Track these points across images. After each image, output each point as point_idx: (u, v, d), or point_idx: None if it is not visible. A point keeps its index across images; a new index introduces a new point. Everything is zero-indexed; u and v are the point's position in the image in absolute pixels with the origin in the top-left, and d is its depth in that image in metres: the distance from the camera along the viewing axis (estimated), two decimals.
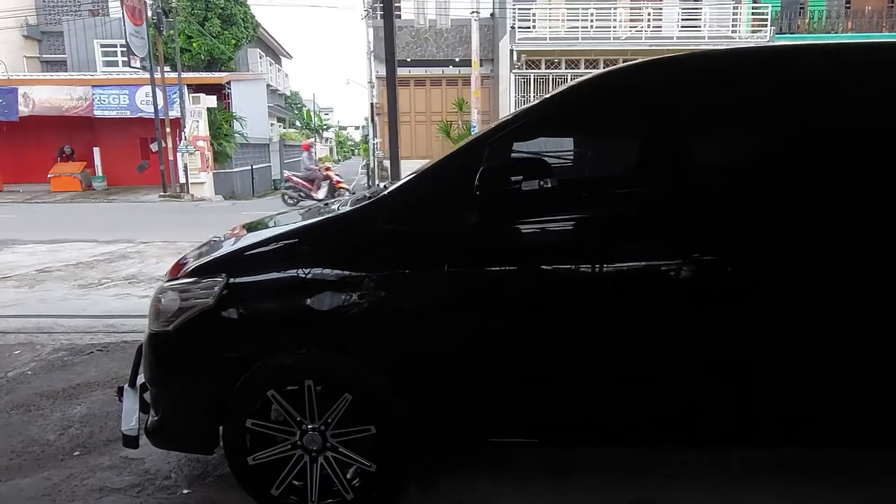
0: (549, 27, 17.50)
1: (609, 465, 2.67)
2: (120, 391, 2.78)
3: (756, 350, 2.10)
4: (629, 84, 2.30)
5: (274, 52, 35.28)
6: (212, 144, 18.84)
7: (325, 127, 65.94)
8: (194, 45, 22.06)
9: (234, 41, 23.29)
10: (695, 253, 2.09)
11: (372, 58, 21.89)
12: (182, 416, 2.36)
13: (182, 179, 18.30)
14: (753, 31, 17.98)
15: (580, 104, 2.33)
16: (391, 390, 2.20)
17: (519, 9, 17.73)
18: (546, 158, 2.26)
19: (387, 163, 21.27)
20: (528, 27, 17.65)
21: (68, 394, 3.63)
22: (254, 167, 22.17)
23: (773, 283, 2.08)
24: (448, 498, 2.44)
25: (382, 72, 21.68)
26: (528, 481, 2.54)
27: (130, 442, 2.42)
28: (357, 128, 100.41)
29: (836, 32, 19.23)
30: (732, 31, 17.84)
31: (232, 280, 2.22)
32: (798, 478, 2.52)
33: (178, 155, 18.13)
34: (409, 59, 21.64)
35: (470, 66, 20.75)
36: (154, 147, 18.64)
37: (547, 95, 2.40)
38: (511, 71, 17.36)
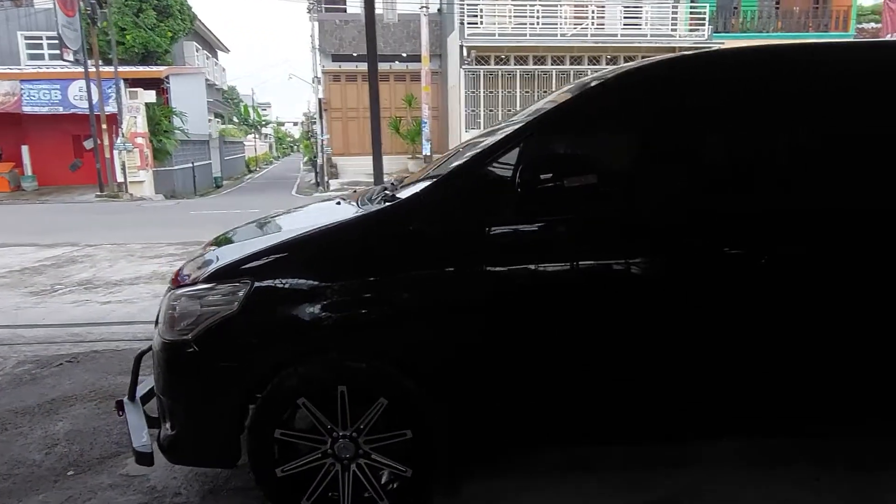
0: (497, 23, 17.63)
1: (628, 460, 2.71)
2: (119, 405, 2.62)
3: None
4: (693, 73, 2.32)
5: (210, 46, 34.11)
6: (151, 141, 18.04)
7: (263, 123, 64.27)
8: (128, 37, 21.05)
9: (170, 34, 22.37)
10: (741, 247, 2.15)
11: (317, 52, 21.48)
12: (202, 429, 2.25)
13: (120, 178, 17.45)
14: (692, 30, 18.67)
15: (633, 93, 2.31)
16: (428, 393, 2.17)
17: (467, 4, 17.77)
18: (585, 153, 2.24)
19: (336, 159, 21.01)
20: (476, 23, 17.72)
21: (45, 409, 3.40)
22: (195, 165, 21.38)
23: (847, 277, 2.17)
24: (476, 497, 2.43)
25: (329, 66, 21.35)
26: (550, 479, 2.55)
27: (145, 459, 2.29)
28: (296, 124, 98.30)
29: (767, 32, 20.22)
30: (672, 30, 18.47)
31: (257, 285, 2.12)
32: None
33: (116, 153, 17.27)
34: (355, 55, 21.34)
35: (418, 61, 20.67)
36: (88, 144, 17.69)
37: (584, 87, 2.38)
38: (461, 66, 17.39)
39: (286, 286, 2.15)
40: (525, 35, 17.53)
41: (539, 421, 2.28)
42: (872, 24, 22.92)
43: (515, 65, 17.68)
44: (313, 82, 26.07)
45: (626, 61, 18.07)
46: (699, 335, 2.19)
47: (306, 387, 2.16)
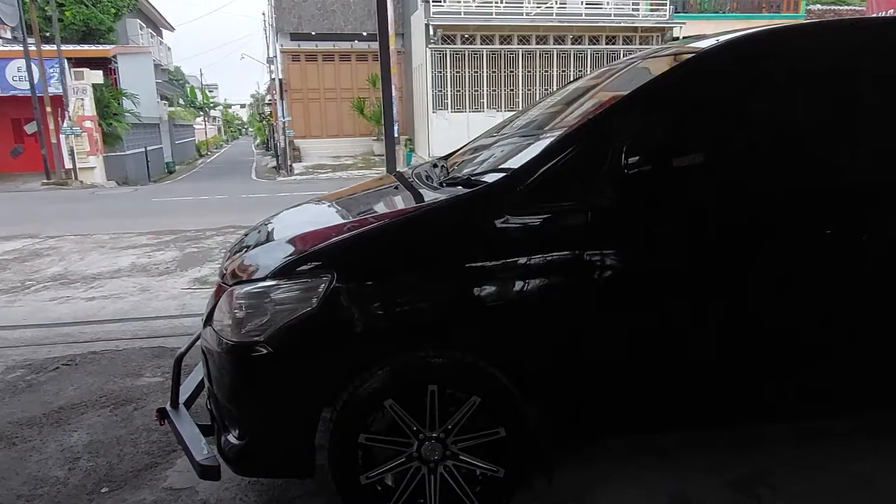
0: (462, 1, 17.34)
1: (696, 444, 2.65)
2: (162, 413, 2.38)
3: None
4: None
5: (155, 24, 32.50)
6: (100, 125, 17.07)
7: (211, 105, 62.06)
8: (67, 13, 19.76)
9: (113, 10, 21.13)
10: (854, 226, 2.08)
11: (274, 31, 20.73)
12: (278, 437, 2.05)
13: (68, 164, 16.47)
14: (653, 10, 18.81)
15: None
16: (522, 389, 2.03)
17: None
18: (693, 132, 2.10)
19: (298, 142, 20.42)
20: (441, 1, 17.38)
21: (54, 419, 3.10)
22: (147, 149, 20.41)
23: None
24: (561, 492, 2.32)
25: (287, 45, 20.65)
26: (629, 467, 2.47)
27: (211, 473, 2.07)
28: (243, 106, 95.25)
29: (723, 13, 20.59)
30: (634, 10, 18.57)
31: (340, 278, 1.93)
32: None
33: (62, 137, 16.26)
34: (314, 33, 20.73)
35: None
36: (30, 129, 16.62)
37: (687, 57, 2.22)
38: (427, 45, 17.05)
39: (371, 280, 1.96)
40: (491, 14, 17.30)
41: (633, 410, 2.17)
42: (819, 6, 23.60)
43: (482, 44, 17.45)
44: (268, 63, 25.26)
45: (590, 41, 18.15)
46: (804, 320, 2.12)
47: (394, 388, 1.99)
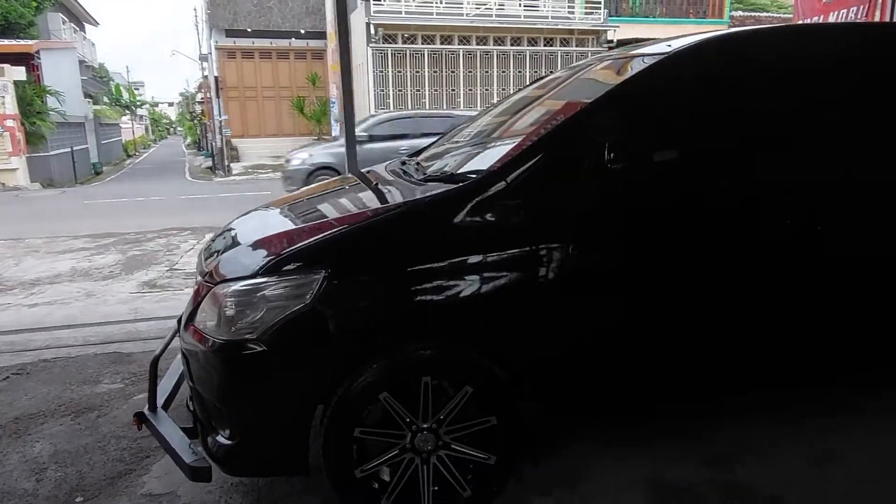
0: (403, 1, 17.35)
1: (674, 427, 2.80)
2: (140, 418, 2.32)
3: None
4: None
5: (77, 18, 30.86)
6: (23, 124, 16.07)
7: (137, 104, 59.33)
8: None
9: (34, 3, 19.94)
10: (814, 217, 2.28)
11: (208, 28, 20.09)
12: (270, 435, 2.05)
13: None
14: (588, 13, 19.37)
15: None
16: (512, 378, 2.11)
17: None
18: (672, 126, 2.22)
19: (236, 142, 19.87)
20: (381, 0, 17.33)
21: (11, 430, 2.96)
22: (73, 149, 19.35)
23: None
24: (550, 478, 2.41)
25: (223, 42, 20.06)
26: (606, 454, 2.59)
27: (202, 475, 2.05)
28: (171, 104, 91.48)
29: (653, 17, 21.43)
30: (570, 13, 19.07)
31: (333, 274, 1.95)
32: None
33: None
34: (250, 30, 20.22)
35: (318, 38, 19.96)
36: None
37: (682, 45, 2.35)
38: (368, 44, 16.96)
39: (365, 274, 1.99)
40: (431, 14, 17.38)
41: (620, 392, 2.30)
42: (740, 12, 24.95)
43: (423, 44, 17.51)
44: (200, 60, 24.44)
45: (529, 43, 18.52)
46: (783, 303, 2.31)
47: (389, 381, 2.02)
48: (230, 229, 2.65)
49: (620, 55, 2.76)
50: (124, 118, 44.20)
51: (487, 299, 2.03)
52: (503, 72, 18.21)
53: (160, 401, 2.41)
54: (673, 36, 2.66)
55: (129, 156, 35.08)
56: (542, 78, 3.43)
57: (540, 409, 2.19)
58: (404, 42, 17.36)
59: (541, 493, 2.35)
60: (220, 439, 2.08)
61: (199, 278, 2.29)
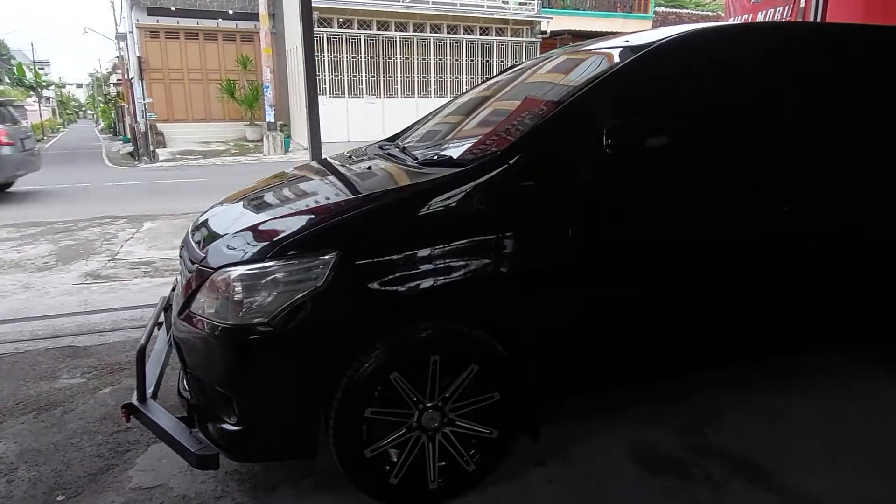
0: None
1: (645, 395, 2.97)
2: (130, 410, 2.24)
3: None
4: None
5: None
6: None
7: (43, 84, 55.22)
8: None
9: None
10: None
11: (128, 4, 18.96)
12: (281, 419, 2.03)
13: None
14: (521, 4, 19.66)
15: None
16: (515, 355, 2.18)
17: None
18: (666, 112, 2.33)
19: (162, 126, 18.91)
20: None
21: None
22: None
23: None
24: (539, 449, 2.51)
25: (144, 20, 19.00)
26: (588, 423, 2.72)
27: (210, 462, 2.02)
28: (80, 86, 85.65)
29: (583, 10, 22.02)
30: (504, 3, 19.28)
31: (345, 255, 1.95)
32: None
33: None
34: (173, 8, 19.24)
35: (248, 19, 19.28)
36: None
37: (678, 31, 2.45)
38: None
39: (377, 255, 1.99)
40: None
41: (614, 367, 2.42)
42: (663, 8, 26.00)
43: (360, 29, 17.24)
44: (117, 39, 23.08)
45: (465, 31, 18.61)
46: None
47: (399, 360, 2.05)
48: (215, 215, 2.58)
49: (574, 51, 2.87)
50: (29, 100, 41.05)
51: (496, 278, 2.09)
52: (440, 59, 18.23)
53: (148, 391, 2.33)
54: (618, 32, 2.81)
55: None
56: (510, 68, 3.50)
57: (538, 385, 2.27)
58: (340, 26, 17.04)
59: (535, 464, 2.45)
60: (226, 426, 2.05)
61: (191, 265, 2.23)
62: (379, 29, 17.49)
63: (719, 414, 2.81)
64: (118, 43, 23.32)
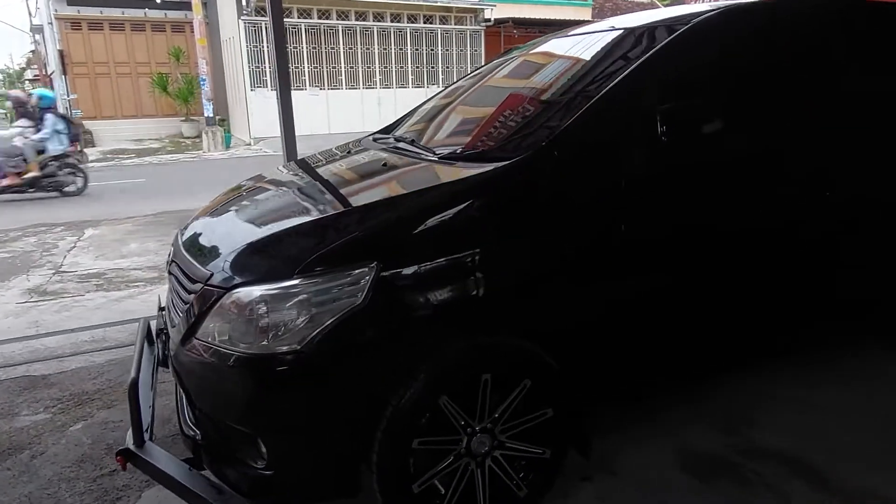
0: None
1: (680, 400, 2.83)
2: (126, 457, 1.91)
3: None
4: None
5: None
6: None
7: None
8: None
9: None
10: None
11: None
12: (316, 458, 1.77)
13: None
14: None
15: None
16: (566, 365, 1.98)
17: None
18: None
19: (89, 124, 17.68)
20: None
21: None
22: None
23: None
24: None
25: (64, 10, 17.68)
26: (628, 431, 2.57)
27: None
28: None
29: None
30: None
31: (384, 267, 1.69)
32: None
33: None
34: None
35: (177, 8, 18.25)
36: None
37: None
38: (240, 17, 15.75)
39: (421, 262, 1.74)
40: None
41: (656, 365, 2.27)
42: None
43: (299, 18, 16.59)
44: (32, 31, 21.52)
45: (409, 20, 18.23)
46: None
47: (449, 382, 1.82)
48: (209, 227, 2.26)
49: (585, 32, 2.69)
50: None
51: (548, 281, 1.89)
52: (385, 49, 17.80)
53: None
54: (570, 20, 2.66)
55: None
56: (505, 53, 3.28)
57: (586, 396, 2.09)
58: None
59: (581, 479, 2.28)
60: (251, 470, 1.76)
61: (192, 285, 1.92)
62: (320, 18, 16.90)
63: (750, 409, 2.71)
64: (33, 36, 21.79)
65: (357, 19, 17.35)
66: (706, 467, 2.35)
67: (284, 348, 1.66)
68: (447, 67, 18.92)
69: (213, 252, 1.97)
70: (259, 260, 1.82)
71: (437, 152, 2.28)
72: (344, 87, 17.39)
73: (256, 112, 16.41)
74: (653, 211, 2.02)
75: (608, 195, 1.96)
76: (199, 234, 2.18)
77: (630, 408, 2.72)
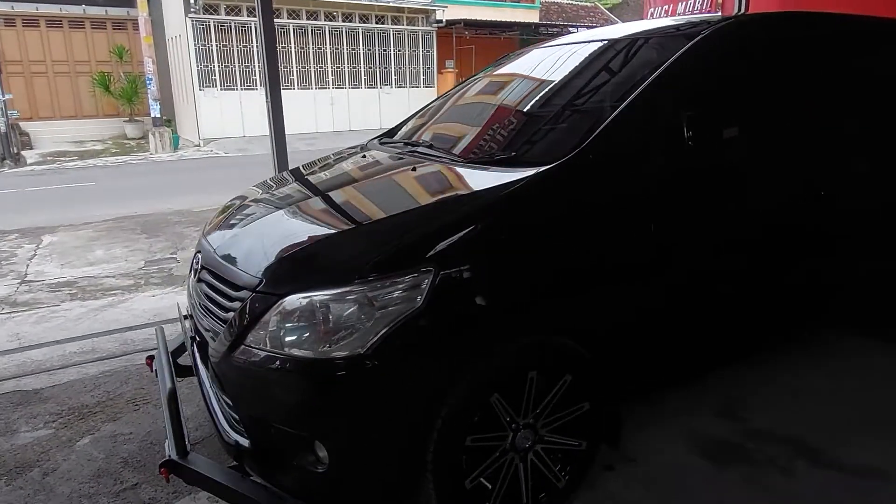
0: None
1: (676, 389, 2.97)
2: (171, 468, 1.89)
3: None
4: None
5: None
6: None
7: None
8: None
9: None
10: None
11: None
12: (380, 461, 1.80)
13: None
14: None
15: None
16: (601, 360, 2.08)
17: None
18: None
19: (26, 126, 16.78)
20: None
21: None
22: None
23: None
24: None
25: (4, 7, 16.68)
26: (636, 420, 2.69)
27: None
28: None
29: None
30: None
31: (442, 270, 1.74)
32: None
33: None
34: None
35: (120, 4, 17.55)
36: None
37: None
38: (187, 15, 15.28)
39: (476, 265, 1.80)
40: None
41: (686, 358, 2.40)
42: None
43: (248, 16, 16.22)
44: None
45: (361, 20, 18.12)
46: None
47: (500, 380, 1.89)
48: (247, 229, 2.24)
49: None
50: None
51: (584, 283, 1.98)
52: (337, 49, 17.64)
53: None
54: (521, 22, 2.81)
55: None
56: (504, 58, 3.36)
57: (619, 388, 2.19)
58: (228, 13, 15.96)
59: (604, 468, 2.38)
60: (313, 474, 1.78)
61: (235, 292, 1.91)
62: None
63: (746, 396, 2.88)
64: None
65: (308, 18, 17.13)
66: (716, 451, 2.49)
67: (347, 353, 1.69)
68: (400, 68, 18.93)
69: (258, 258, 1.96)
70: (313, 265, 1.84)
71: (466, 156, 2.34)
72: (296, 87, 17.14)
73: (206, 112, 15.98)
74: (679, 211, 2.14)
75: (639, 197, 2.07)
76: (235, 240, 2.16)
77: (630, 396, 2.85)
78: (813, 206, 2.52)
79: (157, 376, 2.48)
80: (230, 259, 2.05)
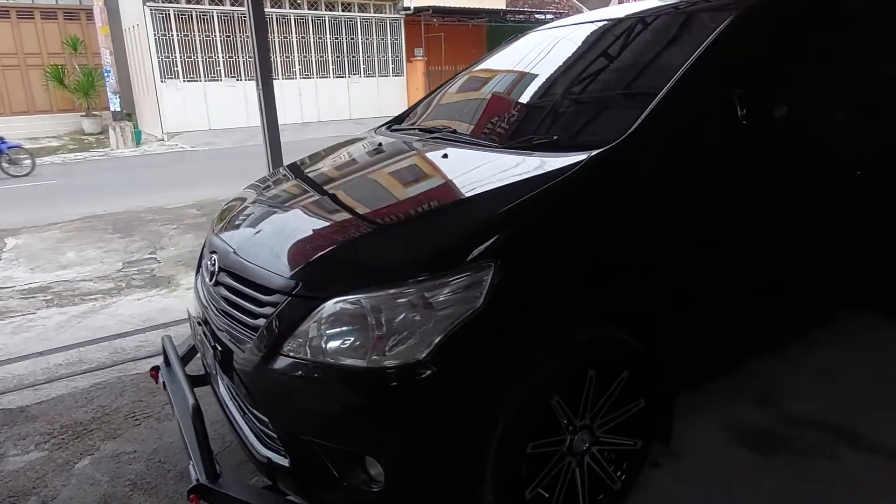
0: None
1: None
2: (201, 493, 1.71)
3: None
4: None
5: None
6: None
7: None
8: None
9: None
10: None
11: None
12: (437, 475, 1.65)
13: None
14: None
15: None
16: (656, 353, 1.96)
17: None
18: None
19: None
20: None
21: None
22: None
23: None
24: None
25: None
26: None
27: None
28: None
29: None
30: None
31: (502, 266, 1.59)
32: None
33: None
34: None
35: None
36: None
37: None
38: (145, 4, 14.64)
39: (536, 261, 1.66)
40: None
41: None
42: None
43: (210, 5, 15.65)
44: None
45: (327, 7, 17.66)
46: None
47: (561, 382, 1.75)
48: (274, 227, 2.04)
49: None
50: None
51: (641, 275, 1.86)
52: (303, 38, 17.19)
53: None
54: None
55: None
56: (513, 39, 3.20)
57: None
58: (188, 2, 15.36)
59: (651, 466, 2.28)
60: (364, 493, 1.62)
61: (267, 297, 1.72)
62: (232, 4, 16.03)
63: (776, 382, 2.81)
64: None
65: (273, 6, 16.62)
66: (757, 440, 2.41)
67: (402, 360, 1.53)
68: (368, 57, 18.56)
69: (290, 258, 1.77)
70: (358, 264, 1.66)
71: (504, 141, 2.18)
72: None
73: (168, 105, 15.40)
74: (735, 192, 2.03)
75: (691, 177, 1.95)
76: (259, 239, 1.96)
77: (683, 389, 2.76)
78: (853, 185, 2.45)
79: (164, 389, 2.29)
80: (255, 259, 1.85)
